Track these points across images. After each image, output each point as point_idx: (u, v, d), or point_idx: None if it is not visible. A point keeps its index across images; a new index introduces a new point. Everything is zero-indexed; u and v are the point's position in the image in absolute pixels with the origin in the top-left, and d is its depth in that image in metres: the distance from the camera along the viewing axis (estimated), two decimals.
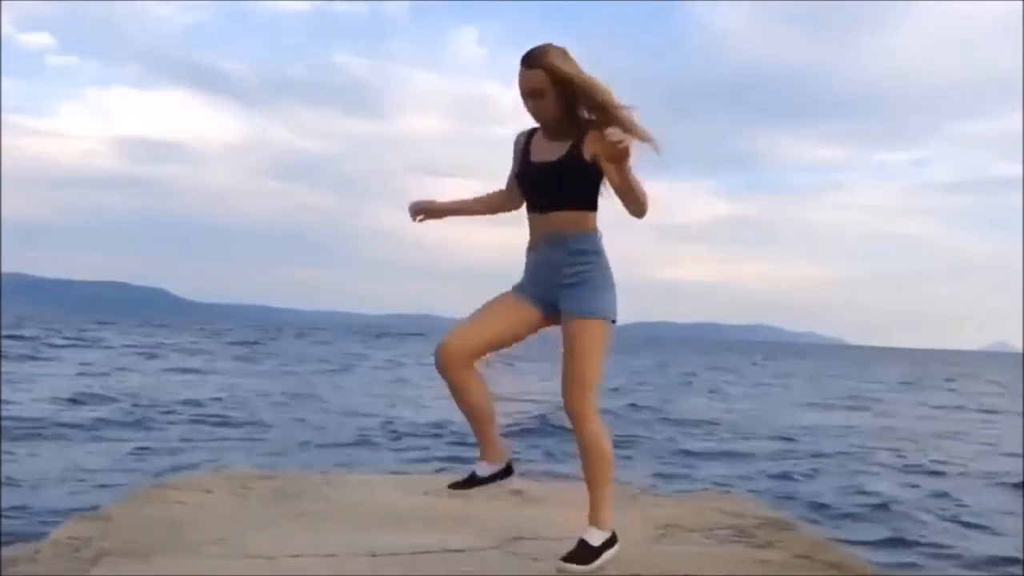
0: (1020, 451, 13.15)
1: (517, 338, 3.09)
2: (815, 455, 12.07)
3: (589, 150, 2.89)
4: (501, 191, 3.26)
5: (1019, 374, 41.68)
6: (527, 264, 3.11)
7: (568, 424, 3.03)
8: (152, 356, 28.79)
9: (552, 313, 3.04)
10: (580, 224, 2.99)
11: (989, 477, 10.91)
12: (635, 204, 2.85)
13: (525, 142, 3.13)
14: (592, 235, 3.03)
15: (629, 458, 10.33)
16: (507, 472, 3.19)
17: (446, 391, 3.04)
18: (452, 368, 2.99)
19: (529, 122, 3.08)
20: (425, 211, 3.30)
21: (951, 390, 32.30)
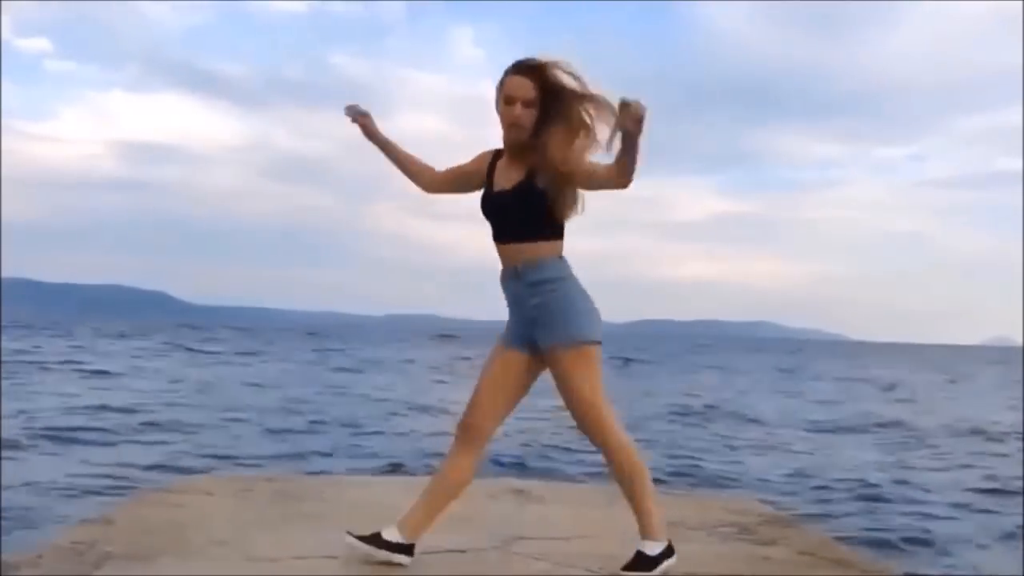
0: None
1: (526, 391, 3.13)
2: None
3: (552, 150, 2.86)
4: (435, 170, 3.23)
5: (1019, 368, 41.84)
6: (506, 298, 3.10)
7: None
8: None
9: (534, 348, 3.04)
10: (537, 254, 2.96)
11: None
12: (629, 176, 2.74)
13: (491, 164, 3.09)
14: (551, 263, 2.97)
15: None
16: (409, 550, 3.07)
17: (452, 454, 3.09)
18: (475, 447, 3.06)
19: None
20: (363, 122, 3.26)
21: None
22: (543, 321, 2.96)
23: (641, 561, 3.00)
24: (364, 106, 3.27)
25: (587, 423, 3.00)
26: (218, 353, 32.95)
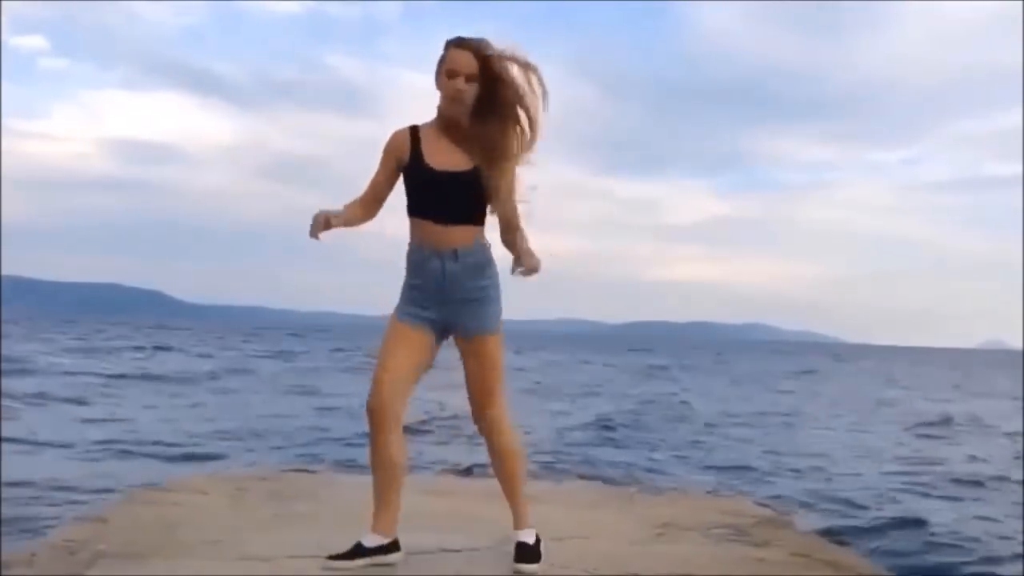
0: None
1: (428, 368, 3.10)
2: None
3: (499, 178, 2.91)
4: (371, 198, 3.08)
5: (1018, 372, 41.67)
6: (416, 278, 3.00)
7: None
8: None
9: (445, 329, 3.05)
10: (475, 237, 2.99)
11: None
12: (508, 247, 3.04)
13: (412, 143, 3.00)
14: (485, 245, 3.03)
15: None
16: (394, 547, 3.07)
17: (372, 441, 3.01)
18: (390, 420, 2.96)
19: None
20: (327, 227, 2.96)
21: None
22: (478, 307, 2.99)
23: (534, 551, 3.08)
24: (323, 211, 2.96)
25: (493, 406, 3.08)
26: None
